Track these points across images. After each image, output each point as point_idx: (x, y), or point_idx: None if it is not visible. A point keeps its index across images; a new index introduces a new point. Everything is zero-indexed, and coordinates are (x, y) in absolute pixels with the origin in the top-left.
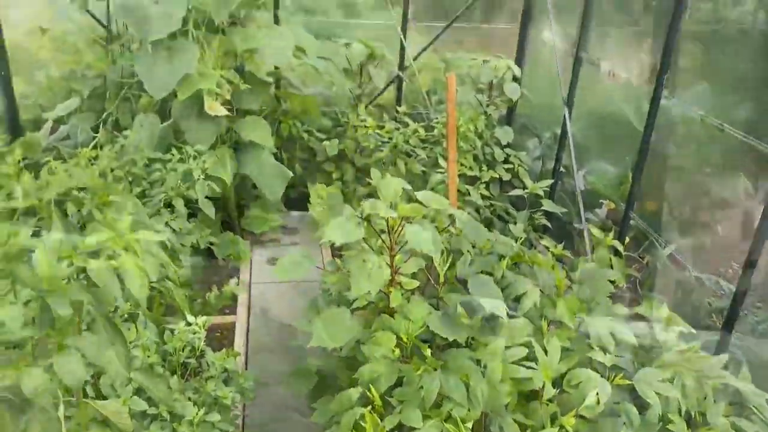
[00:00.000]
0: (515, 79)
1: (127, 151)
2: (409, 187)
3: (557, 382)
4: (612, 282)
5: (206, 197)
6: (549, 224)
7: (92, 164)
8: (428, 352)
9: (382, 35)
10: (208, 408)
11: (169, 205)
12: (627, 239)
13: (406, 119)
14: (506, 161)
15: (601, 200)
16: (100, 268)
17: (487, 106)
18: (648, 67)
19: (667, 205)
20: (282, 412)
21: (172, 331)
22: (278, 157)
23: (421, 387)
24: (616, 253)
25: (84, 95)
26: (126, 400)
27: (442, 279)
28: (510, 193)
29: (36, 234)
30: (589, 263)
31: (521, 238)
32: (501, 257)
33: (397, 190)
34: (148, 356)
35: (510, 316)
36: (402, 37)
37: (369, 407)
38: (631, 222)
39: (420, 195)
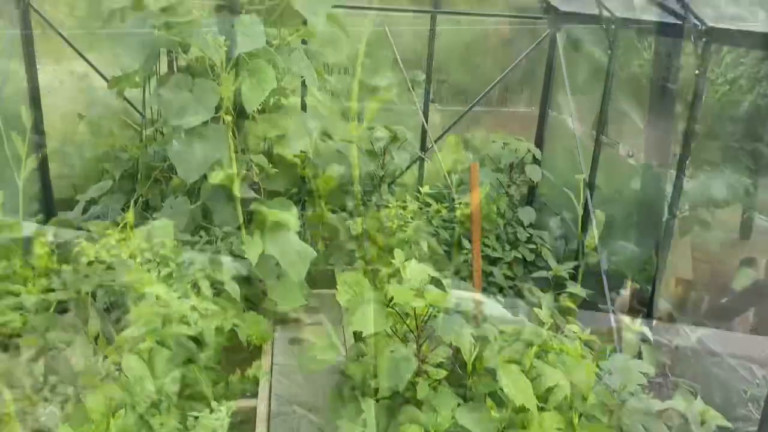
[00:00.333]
0: (536, 160)
1: (156, 232)
2: (434, 273)
3: None
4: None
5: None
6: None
7: (122, 243)
8: None
9: (405, 116)
10: None
11: (194, 285)
12: (654, 322)
13: (428, 199)
14: (529, 241)
15: (625, 280)
16: (133, 366)
17: (508, 186)
18: (667, 150)
19: (695, 288)
20: None
21: (195, 417)
22: (302, 236)
23: None
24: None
25: (116, 177)
26: None
27: (470, 368)
28: (534, 275)
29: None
30: (618, 354)
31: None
32: (529, 344)
33: (423, 278)
34: None
35: (539, 408)
36: (424, 120)
37: None
38: (658, 305)
39: (445, 283)
